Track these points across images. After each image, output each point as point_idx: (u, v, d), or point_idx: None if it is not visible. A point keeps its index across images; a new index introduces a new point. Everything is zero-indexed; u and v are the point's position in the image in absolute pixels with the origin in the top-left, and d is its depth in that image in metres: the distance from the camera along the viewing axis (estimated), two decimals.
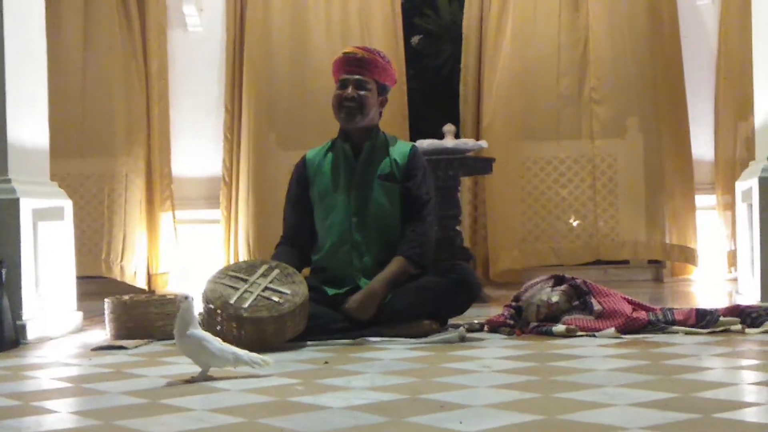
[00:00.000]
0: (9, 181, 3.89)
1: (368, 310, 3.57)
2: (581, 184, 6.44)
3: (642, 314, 3.59)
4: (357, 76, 3.75)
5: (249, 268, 3.57)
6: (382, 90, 3.82)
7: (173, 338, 3.48)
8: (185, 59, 6.73)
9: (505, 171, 6.21)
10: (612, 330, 3.47)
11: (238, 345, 2.90)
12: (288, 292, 3.43)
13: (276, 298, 3.39)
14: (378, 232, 3.71)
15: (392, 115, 6.17)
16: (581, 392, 2.36)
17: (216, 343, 2.80)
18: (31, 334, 3.81)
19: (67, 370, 3.14)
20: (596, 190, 6.42)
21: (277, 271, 3.53)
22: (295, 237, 3.84)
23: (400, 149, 3.81)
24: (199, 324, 2.92)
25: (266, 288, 3.44)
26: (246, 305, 3.35)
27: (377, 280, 3.61)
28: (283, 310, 3.35)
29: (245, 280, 3.47)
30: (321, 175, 3.81)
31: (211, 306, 3.36)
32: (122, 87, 6.53)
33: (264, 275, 3.51)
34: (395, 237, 3.71)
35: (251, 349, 2.86)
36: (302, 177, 3.86)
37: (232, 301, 3.35)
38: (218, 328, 3.30)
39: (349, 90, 3.74)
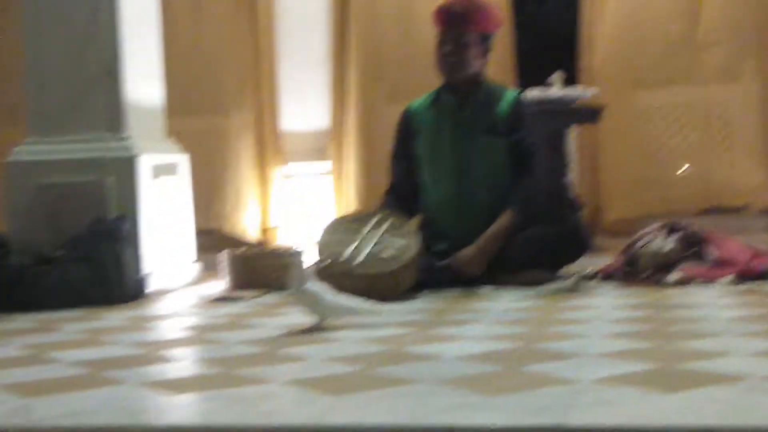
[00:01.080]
0: (127, 138, 4.00)
1: (478, 266, 3.57)
2: (693, 131, 6.27)
3: (760, 262, 3.51)
4: (455, 31, 3.69)
5: (362, 218, 3.60)
6: (484, 39, 3.73)
7: (288, 290, 3.56)
8: (292, 14, 6.77)
9: (615, 119, 6.09)
10: (729, 278, 3.40)
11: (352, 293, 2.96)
12: (401, 243, 3.44)
13: (387, 254, 3.41)
14: (484, 187, 3.69)
15: (499, 63, 6.09)
16: (698, 341, 2.33)
17: (331, 295, 2.85)
18: (152, 285, 3.94)
19: (187, 320, 3.24)
20: (709, 136, 6.25)
21: (389, 221, 3.55)
22: (400, 189, 3.86)
23: (504, 99, 3.75)
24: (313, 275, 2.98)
25: (378, 242, 3.46)
26: (358, 261, 3.39)
27: (486, 237, 3.60)
28: (395, 266, 3.38)
29: (358, 232, 3.50)
30: (426, 129, 3.79)
31: (324, 260, 3.41)
32: (232, 43, 6.62)
33: (376, 226, 3.53)
34: (502, 190, 3.69)
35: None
36: (406, 129, 3.85)
37: (344, 257, 3.39)
38: (330, 280, 3.32)
39: (448, 46, 3.69)
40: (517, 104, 3.75)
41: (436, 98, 3.82)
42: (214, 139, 6.67)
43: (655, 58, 6.28)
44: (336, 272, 3.34)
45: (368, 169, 6.47)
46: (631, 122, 6.29)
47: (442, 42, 3.72)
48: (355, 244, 3.45)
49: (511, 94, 3.81)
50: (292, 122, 6.81)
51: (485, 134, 3.69)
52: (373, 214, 3.61)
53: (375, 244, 3.46)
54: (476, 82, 3.75)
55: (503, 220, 3.63)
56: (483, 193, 3.69)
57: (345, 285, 3.24)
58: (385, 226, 3.52)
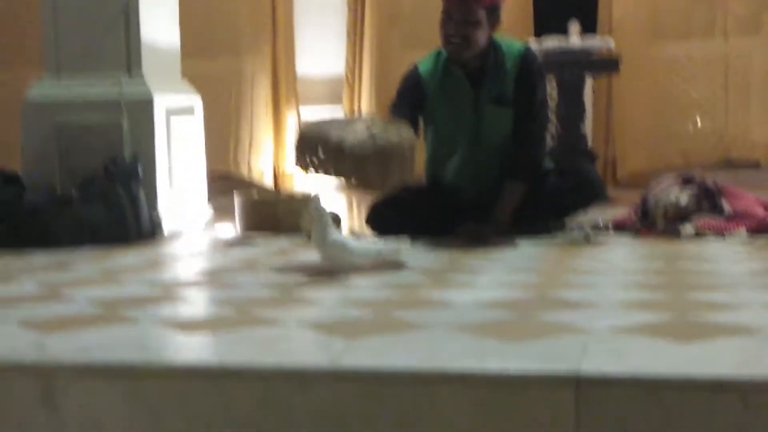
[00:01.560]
0: (143, 79, 3.99)
1: (490, 240, 3.51)
2: (712, 83, 6.22)
3: None
4: (463, 9, 3.44)
5: (348, 120, 3.33)
6: (492, 12, 3.50)
7: (300, 234, 3.57)
8: None
9: (633, 71, 6.04)
10: (743, 231, 3.39)
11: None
12: (394, 136, 3.08)
13: (380, 140, 3.04)
14: (497, 156, 3.58)
15: (517, 13, 6.05)
16: (712, 293, 2.34)
17: (356, 244, 2.85)
18: (166, 226, 3.95)
19: (201, 262, 3.26)
20: (728, 89, 6.20)
21: (380, 122, 3.24)
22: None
23: (510, 59, 3.56)
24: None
25: (369, 132, 3.10)
26: (348, 142, 2.99)
27: (500, 213, 3.52)
28: (388, 149, 3.03)
29: (347, 125, 3.13)
30: (435, 100, 3.61)
31: (309, 141, 3.02)
32: None
33: (365, 123, 3.15)
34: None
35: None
36: (417, 89, 3.61)
37: (332, 137, 2.99)
38: (314, 163, 3.00)
39: (454, 28, 3.46)
40: (523, 60, 3.57)
41: (445, 70, 3.62)
42: (229, 83, 6.64)
43: (676, 9, 6.21)
44: (321, 151, 3.00)
45: (381, 116, 6.44)
46: (649, 74, 6.24)
47: (446, 20, 3.48)
48: (343, 130, 3.06)
49: (516, 50, 3.60)
50: (308, 67, 6.77)
51: (496, 105, 3.57)
52: (361, 117, 3.37)
53: (366, 133, 3.09)
54: (484, 55, 3.55)
55: (510, 196, 3.53)
56: (495, 162, 3.60)
57: (329, 169, 3.02)
58: (375, 123, 3.18)
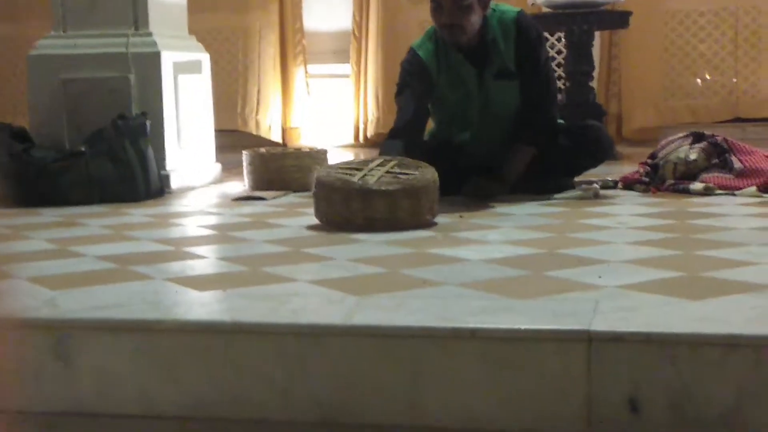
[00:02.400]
0: (150, 34, 3.97)
1: (495, 195, 3.49)
2: (722, 38, 6.18)
3: None
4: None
5: (362, 162, 3.14)
6: None
7: (309, 190, 3.57)
8: None
9: (642, 25, 5.99)
10: (753, 188, 3.38)
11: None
12: (415, 173, 2.98)
13: (404, 176, 2.95)
14: (504, 128, 3.56)
15: None
16: (723, 250, 2.33)
17: None
18: (174, 183, 3.95)
19: (210, 219, 3.26)
20: (737, 44, 6.15)
21: (395, 161, 3.06)
22: (412, 131, 3.50)
23: (506, 30, 3.47)
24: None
25: (388, 172, 3.00)
26: (372, 182, 2.89)
27: (509, 172, 3.51)
28: (417, 183, 2.91)
29: (360, 169, 2.99)
30: (443, 82, 3.53)
31: (330, 185, 2.89)
32: None
33: (381, 165, 3.04)
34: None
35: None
36: (423, 77, 3.50)
37: (355, 179, 2.89)
38: (337, 212, 2.88)
39: (445, 16, 3.37)
40: (518, 29, 3.47)
41: (446, 54, 3.52)
42: (236, 37, 6.61)
43: None
44: (345, 196, 2.87)
45: (389, 71, 6.40)
46: (657, 28, 6.19)
47: (437, 9, 3.39)
48: (362, 173, 2.96)
49: (511, 22, 3.48)
50: (315, 22, 6.73)
51: (501, 80, 3.51)
52: (375, 158, 3.16)
53: (386, 173, 2.98)
54: (482, 33, 3.46)
55: (521, 156, 3.52)
56: (506, 130, 3.58)
57: (357, 212, 2.85)
58: (391, 164, 3.04)
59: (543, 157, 3.56)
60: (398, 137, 3.43)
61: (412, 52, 3.55)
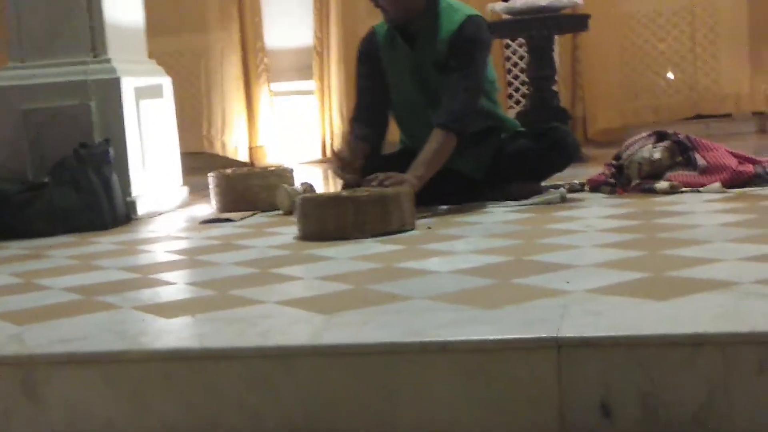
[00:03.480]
0: (109, 61, 3.95)
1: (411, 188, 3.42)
2: (680, 36, 6.24)
3: (748, 167, 3.51)
4: None
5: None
6: None
7: (277, 209, 3.57)
8: None
9: (602, 28, 6.04)
10: (717, 185, 3.41)
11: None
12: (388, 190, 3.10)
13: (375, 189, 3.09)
14: None
15: None
16: (689, 248, 2.34)
17: None
18: (140, 209, 3.93)
19: (178, 243, 3.24)
20: (696, 41, 6.21)
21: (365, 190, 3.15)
22: (372, 116, 3.59)
23: (449, 26, 3.47)
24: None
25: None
26: (343, 192, 3.08)
27: (418, 164, 3.35)
28: (386, 191, 3.03)
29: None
30: (387, 60, 3.58)
31: (299, 197, 3.10)
32: None
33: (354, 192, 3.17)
34: None
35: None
36: (373, 52, 3.60)
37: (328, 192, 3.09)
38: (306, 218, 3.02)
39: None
40: (459, 30, 3.44)
41: (390, 34, 3.57)
42: (198, 59, 6.61)
43: None
44: (315, 204, 3.03)
45: (352, 86, 6.40)
46: (616, 30, 6.25)
47: None
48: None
49: (456, 23, 3.47)
50: (276, 40, 6.74)
51: (438, 71, 3.48)
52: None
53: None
54: (424, 16, 3.48)
55: (432, 143, 3.37)
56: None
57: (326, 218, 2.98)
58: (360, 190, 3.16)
59: (510, 163, 3.57)
60: (356, 120, 3.60)
61: (371, 30, 3.69)
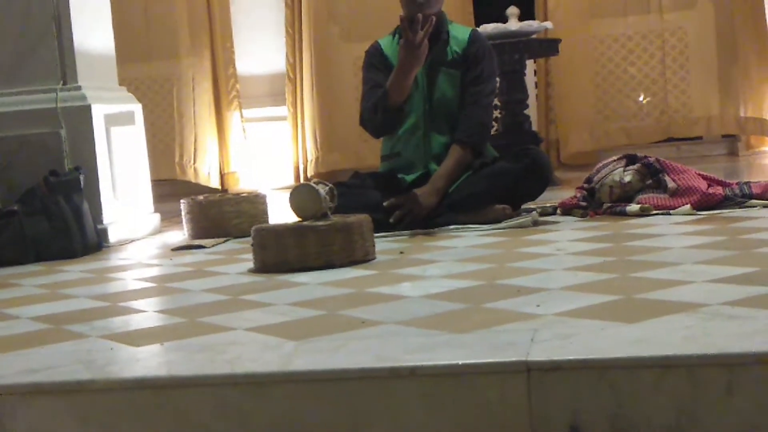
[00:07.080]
0: (79, 88, 3.94)
1: (428, 203, 3.55)
2: (650, 59, 6.30)
3: (718, 190, 3.54)
4: None
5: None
6: None
7: (249, 236, 3.54)
8: None
9: (572, 52, 6.09)
10: (687, 207, 3.43)
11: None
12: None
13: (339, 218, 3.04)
14: (445, 119, 3.69)
15: (456, 3, 6.06)
16: (659, 270, 2.35)
17: None
18: (112, 237, 3.91)
19: (149, 271, 3.22)
20: (666, 65, 6.27)
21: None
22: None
23: (458, 35, 3.75)
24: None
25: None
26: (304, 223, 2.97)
27: (438, 175, 3.60)
28: (350, 219, 2.97)
29: None
30: (394, 63, 3.67)
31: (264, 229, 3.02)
32: None
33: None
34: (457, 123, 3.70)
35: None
36: (379, 59, 3.77)
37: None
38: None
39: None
40: (473, 37, 3.75)
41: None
42: (170, 86, 6.60)
43: None
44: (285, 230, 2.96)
45: (324, 111, 6.44)
46: (587, 54, 6.30)
47: None
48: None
49: (464, 30, 3.82)
50: (248, 66, 6.74)
51: (449, 67, 3.69)
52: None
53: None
54: (440, 19, 3.69)
55: (453, 157, 3.63)
56: (443, 125, 3.68)
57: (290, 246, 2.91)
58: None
59: (484, 186, 3.58)
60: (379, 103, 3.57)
61: (374, 43, 3.85)
